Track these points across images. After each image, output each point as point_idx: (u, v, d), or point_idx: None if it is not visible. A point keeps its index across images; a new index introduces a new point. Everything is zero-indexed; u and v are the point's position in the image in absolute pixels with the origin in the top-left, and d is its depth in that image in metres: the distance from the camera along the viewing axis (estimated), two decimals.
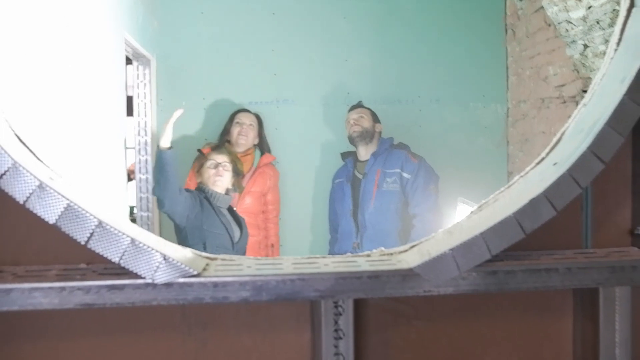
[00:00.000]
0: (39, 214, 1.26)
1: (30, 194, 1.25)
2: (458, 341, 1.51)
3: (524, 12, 4.73)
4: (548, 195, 1.36)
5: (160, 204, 3.76)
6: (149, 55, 4.72)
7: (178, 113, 3.90)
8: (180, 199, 3.71)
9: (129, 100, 4.56)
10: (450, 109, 5.19)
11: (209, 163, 3.89)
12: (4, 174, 1.24)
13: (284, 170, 4.92)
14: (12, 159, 1.24)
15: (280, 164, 4.95)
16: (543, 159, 1.51)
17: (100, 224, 1.27)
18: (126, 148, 4.01)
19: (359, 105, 4.60)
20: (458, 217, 4.10)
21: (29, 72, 2.24)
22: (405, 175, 4.10)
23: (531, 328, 1.52)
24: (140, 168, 4.88)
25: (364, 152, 4.32)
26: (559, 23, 3.46)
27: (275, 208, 4.83)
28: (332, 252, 4.41)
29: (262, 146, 4.82)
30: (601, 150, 1.37)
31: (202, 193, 3.84)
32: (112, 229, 1.27)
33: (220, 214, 3.85)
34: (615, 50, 1.49)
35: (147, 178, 4.89)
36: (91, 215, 1.27)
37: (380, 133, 4.45)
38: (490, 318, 1.52)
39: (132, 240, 1.28)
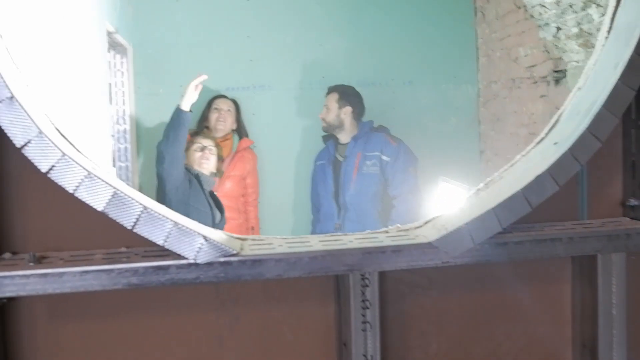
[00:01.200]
0: (87, 202, 1.34)
1: (80, 183, 1.33)
2: (469, 308, 1.64)
3: None
4: (551, 172, 1.50)
5: (160, 159, 3.88)
6: (126, 43, 4.74)
7: (202, 78, 3.99)
8: (180, 162, 3.87)
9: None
10: (423, 90, 5.33)
11: (195, 146, 4.01)
12: (54, 165, 1.32)
13: (263, 154, 5.01)
14: (61, 151, 1.32)
15: (259, 148, 5.03)
16: (543, 139, 1.64)
17: (145, 209, 1.36)
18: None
19: (329, 91, 4.62)
20: (440, 196, 4.26)
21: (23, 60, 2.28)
22: (384, 158, 4.19)
23: (535, 294, 1.67)
24: (119, 156, 4.91)
25: (344, 136, 4.42)
26: (532, 6, 3.61)
27: (255, 191, 4.92)
28: (314, 232, 4.53)
29: (240, 131, 4.89)
30: (598, 130, 1.51)
31: (189, 173, 3.95)
32: (156, 214, 1.36)
33: (206, 193, 3.97)
34: (607, 38, 1.63)
35: (127, 166, 4.93)
36: (136, 201, 1.36)
37: (355, 115, 4.46)
38: (497, 286, 1.66)
39: (175, 224, 1.37)
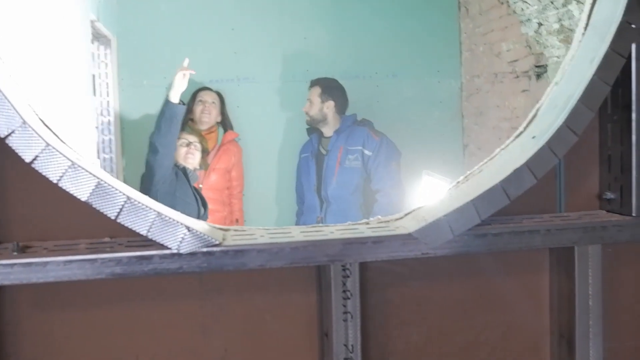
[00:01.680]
0: (71, 192, 1.35)
1: (63, 173, 1.34)
2: (450, 298, 1.67)
3: None
4: (529, 165, 1.53)
5: (153, 151, 3.94)
6: (110, 34, 4.72)
7: (186, 62, 4.04)
8: (172, 154, 3.96)
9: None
10: (407, 84, 5.36)
11: (181, 142, 4.04)
12: (38, 156, 1.33)
13: (247, 146, 5.02)
14: (45, 141, 1.33)
15: (243, 140, 5.05)
16: (521, 132, 1.67)
17: (129, 199, 1.37)
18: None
19: (311, 84, 4.62)
20: (424, 189, 4.29)
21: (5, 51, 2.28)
22: (366, 152, 4.20)
23: (514, 285, 1.70)
24: (103, 148, 4.90)
25: (328, 130, 4.44)
26: (514, 2, 3.65)
27: (240, 184, 4.93)
28: (298, 224, 4.55)
29: (225, 123, 4.90)
30: (575, 124, 1.55)
31: (175, 166, 4.00)
32: (139, 204, 1.38)
33: (192, 186, 4.02)
34: (583, 34, 1.66)
35: (111, 157, 4.92)
36: (120, 191, 1.37)
37: (338, 108, 4.47)
38: (478, 277, 1.69)
39: (159, 214, 1.39)
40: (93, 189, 1.36)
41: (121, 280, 1.48)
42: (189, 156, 4.10)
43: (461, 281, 1.68)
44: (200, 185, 4.43)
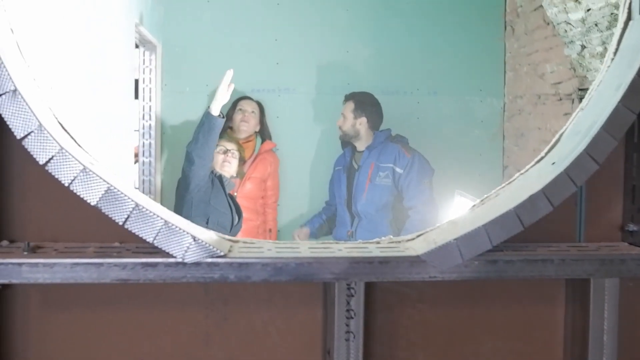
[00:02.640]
0: (82, 196, 1.37)
1: (75, 177, 1.37)
2: (458, 324, 1.64)
3: (523, 10, 4.85)
4: (546, 192, 1.49)
5: (189, 161, 3.99)
6: (155, 41, 4.81)
7: (229, 75, 4.04)
8: (208, 165, 4.00)
9: (135, 84, 4.66)
10: (448, 101, 5.31)
11: (219, 149, 4.07)
12: (52, 158, 1.36)
13: (284, 157, 5.04)
14: (59, 144, 1.36)
15: (281, 151, 5.07)
16: (542, 158, 1.63)
17: (137, 206, 1.39)
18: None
19: (345, 99, 4.57)
20: (455, 209, 4.23)
21: (52, 56, 2.34)
22: (398, 170, 4.15)
23: (526, 315, 1.66)
24: (143, 151, 4.98)
25: (360, 145, 4.41)
26: (558, 23, 3.58)
27: (275, 194, 4.95)
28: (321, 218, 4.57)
29: (264, 133, 4.93)
30: (596, 152, 1.50)
31: (211, 173, 4.02)
32: (147, 211, 1.39)
33: (226, 195, 4.05)
34: (612, 59, 1.61)
35: (150, 161, 5.00)
36: (129, 198, 1.39)
37: (371, 124, 4.41)
38: (489, 304, 1.65)
39: (165, 222, 1.40)
40: (103, 194, 1.38)
41: (128, 285, 1.50)
42: (226, 164, 4.13)
43: (471, 306, 1.64)
44: (235, 194, 4.47)
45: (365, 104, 4.40)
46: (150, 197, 5.01)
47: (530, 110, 4.71)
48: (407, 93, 5.30)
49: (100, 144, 3.13)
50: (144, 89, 4.96)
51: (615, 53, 1.62)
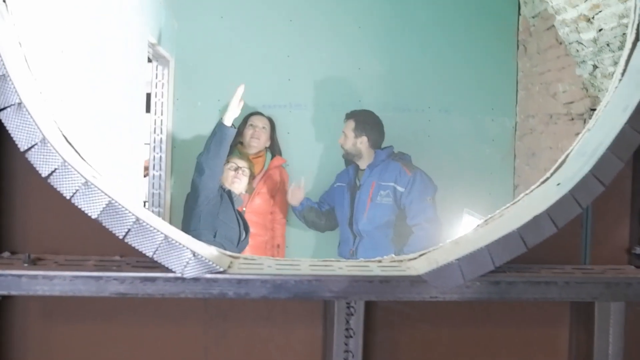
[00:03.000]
0: (83, 209, 1.37)
1: (76, 190, 1.37)
2: (460, 345, 1.62)
3: (536, 29, 4.84)
4: (550, 213, 1.47)
5: (199, 171, 4.04)
6: (168, 55, 4.84)
7: (241, 90, 4.07)
8: (218, 176, 4.05)
9: (147, 97, 4.68)
10: (459, 120, 5.28)
11: (229, 165, 4.11)
12: (54, 171, 1.36)
13: (294, 173, 5.02)
14: (62, 158, 1.36)
15: (291, 166, 5.07)
16: (547, 178, 1.62)
17: (137, 220, 1.38)
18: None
19: (346, 117, 4.52)
20: (463, 228, 4.20)
21: (63, 71, 2.35)
22: (399, 188, 4.09)
23: (529, 337, 1.63)
24: (154, 165, 5.00)
25: (362, 163, 4.38)
26: (569, 43, 3.57)
27: (283, 210, 4.93)
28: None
29: (274, 149, 4.93)
30: (602, 173, 1.48)
31: (221, 188, 4.06)
32: (147, 226, 1.39)
33: (235, 209, 4.05)
34: (620, 80, 1.60)
35: (160, 175, 5.01)
36: (129, 212, 1.38)
37: (372, 143, 4.35)
38: (492, 325, 1.63)
39: (165, 237, 1.39)
40: (104, 208, 1.38)
41: (127, 299, 1.50)
42: (236, 181, 4.16)
43: (474, 327, 1.62)
44: (244, 209, 4.47)
45: (366, 122, 4.36)
46: (159, 210, 5.03)
47: (542, 129, 4.69)
48: (418, 111, 5.28)
49: (109, 156, 3.14)
50: (155, 102, 4.99)
51: (622, 74, 1.61)
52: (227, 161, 4.16)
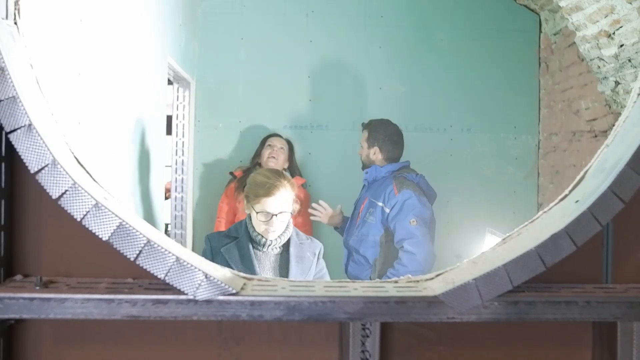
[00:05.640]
0: (93, 231, 1.37)
1: (87, 212, 1.36)
2: None
3: (557, 46, 4.80)
4: (569, 231, 1.43)
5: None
6: (189, 77, 4.88)
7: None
8: None
9: (168, 119, 4.71)
10: (482, 138, 5.26)
11: (259, 215, 2.95)
12: (65, 193, 1.36)
13: (318, 193, 5.00)
14: (73, 179, 1.36)
15: (314, 187, 5.06)
16: (566, 195, 1.58)
17: (148, 242, 1.37)
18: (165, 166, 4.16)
19: (362, 127, 4.27)
20: (485, 248, 4.13)
21: (81, 93, 2.37)
22: (386, 209, 3.87)
23: (551, 358, 1.59)
24: (176, 187, 5.02)
25: None
26: (591, 60, 3.52)
27: (307, 230, 4.90)
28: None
29: (292, 170, 4.89)
30: (621, 190, 1.44)
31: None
32: (159, 247, 1.38)
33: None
34: (638, 95, 1.56)
35: (182, 197, 5.03)
36: (141, 233, 1.37)
37: (385, 155, 4.09)
38: (512, 346, 1.59)
39: (177, 259, 1.38)
40: (115, 230, 1.37)
41: (140, 322, 1.48)
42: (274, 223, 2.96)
43: (494, 348, 1.58)
44: None
45: (378, 132, 4.10)
46: (182, 232, 5.04)
47: (565, 147, 4.63)
48: (440, 130, 5.27)
49: (129, 178, 3.16)
50: (177, 124, 5.03)
51: None
52: (255, 209, 2.98)
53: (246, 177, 4.38)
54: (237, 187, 4.59)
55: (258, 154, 4.78)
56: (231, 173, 4.80)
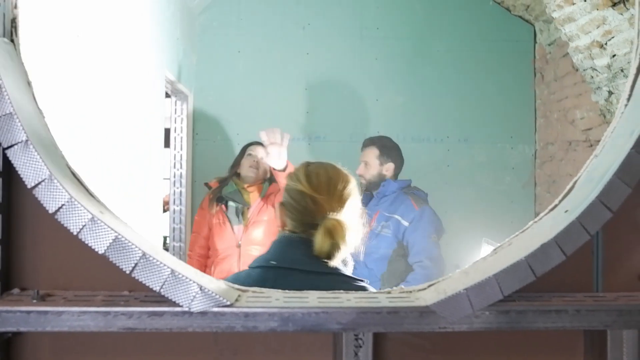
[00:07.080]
0: (90, 245, 1.39)
1: (83, 226, 1.38)
2: None
3: (552, 57, 4.84)
4: (558, 240, 1.45)
5: None
6: (187, 90, 4.92)
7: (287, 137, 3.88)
8: None
9: (166, 132, 4.67)
10: (478, 149, 5.29)
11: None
12: (61, 207, 1.38)
13: None
14: (69, 194, 1.38)
15: None
16: (556, 205, 1.60)
17: (144, 255, 1.40)
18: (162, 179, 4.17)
19: (365, 144, 4.31)
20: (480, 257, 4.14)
21: (78, 103, 2.40)
22: (403, 222, 3.89)
23: None
24: (174, 199, 5.05)
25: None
26: (584, 70, 3.55)
27: None
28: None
29: (272, 180, 4.43)
30: (609, 199, 1.47)
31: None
32: (154, 260, 1.40)
33: None
34: (626, 105, 1.59)
35: (180, 209, 5.05)
36: (136, 247, 1.40)
37: (396, 171, 4.17)
38: (506, 355, 1.60)
39: (172, 271, 1.40)
40: (111, 243, 1.39)
41: (137, 334, 1.50)
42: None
43: (487, 357, 1.60)
44: (240, 242, 4.26)
45: (390, 148, 4.17)
46: (180, 245, 5.06)
47: (561, 156, 4.66)
48: (437, 141, 5.30)
49: (127, 191, 3.18)
50: (175, 137, 5.06)
51: (628, 99, 1.60)
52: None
53: (221, 188, 4.30)
54: (211, 198, 4.35)
55: (237, 163, 4.47)
56: (206, 184, 4.51)
